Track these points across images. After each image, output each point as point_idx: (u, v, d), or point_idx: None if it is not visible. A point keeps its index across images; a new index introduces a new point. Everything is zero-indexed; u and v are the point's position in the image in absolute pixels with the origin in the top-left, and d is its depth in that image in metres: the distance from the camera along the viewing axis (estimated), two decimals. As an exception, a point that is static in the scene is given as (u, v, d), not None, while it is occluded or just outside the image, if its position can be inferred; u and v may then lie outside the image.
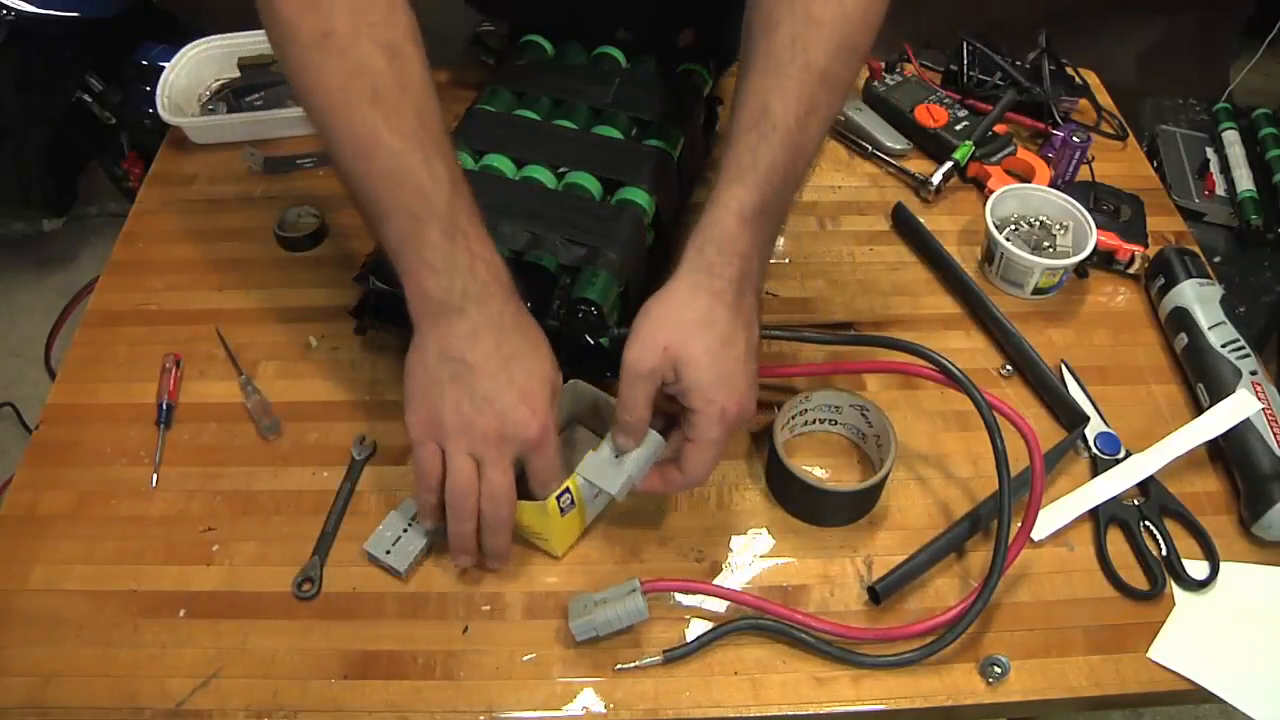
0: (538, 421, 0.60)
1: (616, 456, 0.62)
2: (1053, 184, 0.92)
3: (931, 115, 0.97)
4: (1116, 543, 0.69)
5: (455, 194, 0.60)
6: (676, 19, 0.95)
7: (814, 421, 0.74)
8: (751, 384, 0.61)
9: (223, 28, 1.04)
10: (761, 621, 0.63)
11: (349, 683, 0.61)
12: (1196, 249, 0.85)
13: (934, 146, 0.96)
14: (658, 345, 0.59)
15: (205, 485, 0.71)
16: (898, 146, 0.97)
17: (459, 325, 0.59)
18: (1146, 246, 0.86)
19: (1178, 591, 0.66)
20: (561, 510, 0.63)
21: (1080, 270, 0.86)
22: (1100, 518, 0.69)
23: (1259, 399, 0.71)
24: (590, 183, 0.75)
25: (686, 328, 0.59)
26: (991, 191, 0.89)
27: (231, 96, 1.01)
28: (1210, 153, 1.40)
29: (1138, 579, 0.67)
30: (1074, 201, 0.85)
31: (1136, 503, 0.70)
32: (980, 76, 1.00)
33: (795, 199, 0.64)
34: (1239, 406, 0.71)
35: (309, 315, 0.82)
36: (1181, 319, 0.79)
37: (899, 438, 0.69)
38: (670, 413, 0.64)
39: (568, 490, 0.62)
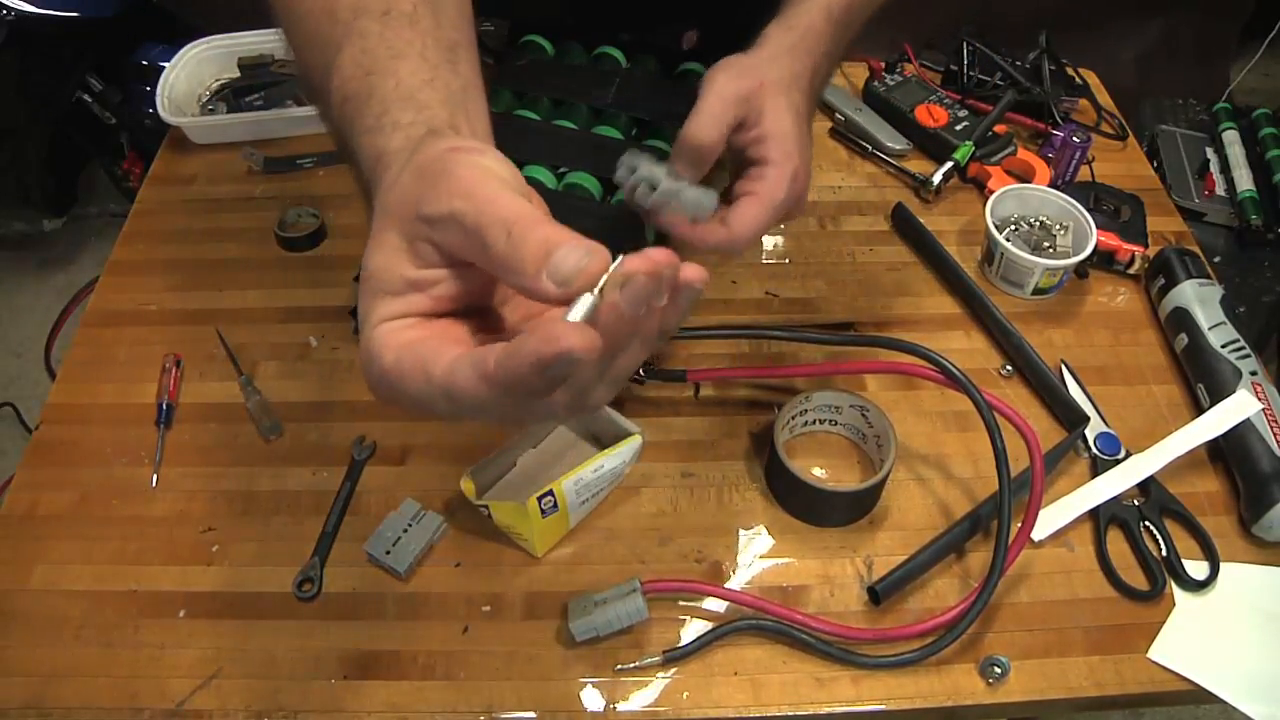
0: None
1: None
2: (1053, 184, 0.92)
3: (931, 115, 0.97)
4: (1116, 543, 0.69)
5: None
6: (677, 19, 0.95)
7: (814, 422, 0.74)
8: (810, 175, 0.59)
9: (223, 28, 1.04)
10: (761, 622, 0.63)
11: (349, 683, 0.61)
12: (1196, 249, 0.85)
13: (934, 146, 0.96)
14: (754, 79, 0.56)
15: (205, 485, 0.71)
16: (898, 146, 0.97)
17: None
18: (1146, 246, 0.86)
19: (1178, 592, 0.66)
20: (543, 512, 0.63)
21: (1080, 270, 0.86)
22: (1100, 518, 0.69)
23: (1259, 399, 0.71)
24: (590, 183, 0.75)
25: (773, 83, 0.57)
26: (991, 191, 0.89)
27: (231, 96, 1.01)
28: (1210, 153, 1.40)
29: (1138, 579, 0.67)
30: (1074, 201, 0.85)
31: (1136, 503, 0.70)
32: (980, 76, 1.00)
33: (850, 46, 0.64)
34: (1239, 407, 0.71)
35: (309, 315, 0.82)
36: (1181, 319, 0.79)
37: (899, 438, 0.69)
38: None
39: (550, 493, 0.62)
